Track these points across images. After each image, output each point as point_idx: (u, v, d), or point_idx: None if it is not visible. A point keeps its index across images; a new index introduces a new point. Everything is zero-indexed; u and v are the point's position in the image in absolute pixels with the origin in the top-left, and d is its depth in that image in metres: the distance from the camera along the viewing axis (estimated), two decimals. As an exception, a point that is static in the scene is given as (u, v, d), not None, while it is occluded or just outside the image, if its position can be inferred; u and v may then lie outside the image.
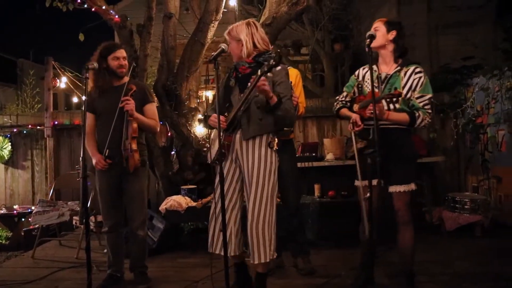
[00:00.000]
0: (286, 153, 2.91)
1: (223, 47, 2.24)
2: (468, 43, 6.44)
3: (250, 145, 2.29)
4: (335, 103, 2.70)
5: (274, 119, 2.30)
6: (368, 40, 2.32)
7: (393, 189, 2.41)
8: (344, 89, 2.70)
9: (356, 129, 2.43)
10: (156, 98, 4.01)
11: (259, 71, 2.11)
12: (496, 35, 6.66)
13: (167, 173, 4.19)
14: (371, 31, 2.40)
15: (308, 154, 4.35)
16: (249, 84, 2.20)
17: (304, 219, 3.63)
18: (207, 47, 4.34)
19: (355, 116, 2.45)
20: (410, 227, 2.43)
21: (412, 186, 2.42)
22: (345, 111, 2.62)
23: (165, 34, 4.34)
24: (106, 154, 2.70)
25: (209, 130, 2.57)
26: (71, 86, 5.51)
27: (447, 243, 3.73)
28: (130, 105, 2.70)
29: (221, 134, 2.23)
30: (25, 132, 5.36)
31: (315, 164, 4.24)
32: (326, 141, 4.55)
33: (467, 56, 5.39)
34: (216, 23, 4.28)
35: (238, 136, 2.33)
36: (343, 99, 2.68)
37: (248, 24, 2.35)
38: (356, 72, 2.66)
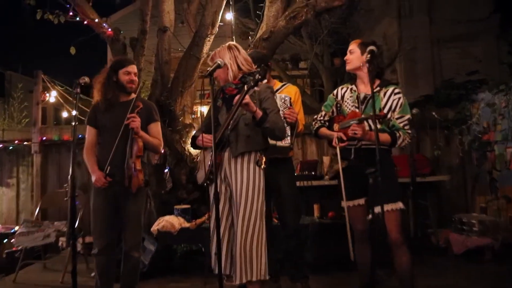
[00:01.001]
0: (284, 172, 2.91)
1: (219, 62, 2.28)
2: (471, 57, 6.51)
3: (238, 163, 2.37)
4: (313, 122, 2.75)
5: (264, 133, 2.38)
6: (369, 56, 2.35)
7: (379, 209, 2.40)
8: (323, 108, 2.75)
9: (341, 144, 2.47)
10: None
11: (245, 86, 2.18)
12: (499, 49, 6.75)
13: (160, 192, 4.16)
14: (370, 50, 2.43)
15: (307, 172, 4.35)
16: (234, 101, 2.27)
17: (303, 241, 3.59)
18: (203, 61, 4.38)
19: (340, 133, 2.50)
20: (406, 249, 2.42)
21: (400, 205, 2.44)
22: (324, 130, 2.66)
23: (159, 48, 4.38)
24: (107, 172, 2.70)
25: (200, 151, 2.62)
26: (61, 100, 5.52)
27: (455, 267, 3.69)
28: (136, 122, 2.71)
29: (212, 153, 2.27)
30: (11, 148, 5.33)
31: (315, 183, 4.23)
32: (326, 159, 4.55)
33: (471, 71, 5.44)
34: (212, 37, 4.33)
35: (226, 154, 2.40)
36: (322, 118, 2.73)
37: (229, 48, 2.45)
38: (335, 92, 2.73)
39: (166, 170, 4.30)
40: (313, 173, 4.35)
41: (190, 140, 4.22)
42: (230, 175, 2.38)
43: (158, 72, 4.35)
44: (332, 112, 2.69)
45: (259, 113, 2.29)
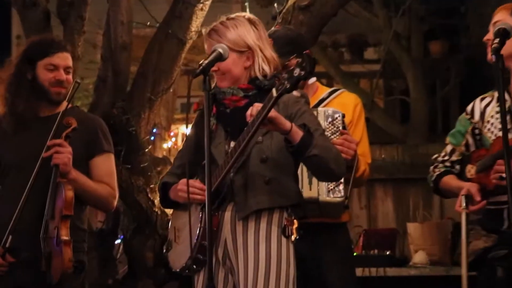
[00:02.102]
0: (333, 249, 2.94)
1: (220, 50, 2.31)
2: None
3: (249, 231, 2.36)
4: (432, 168, 2.77)
5: (309, 167, 2.42)
6: (496, 41, 2.37)
7: None
8: (448, 139, 2.77)
9: (473, 208, 2.47)
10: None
11: (273, 90, 2.13)
12: None
13: (106, 281, 4.21)
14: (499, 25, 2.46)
15: (377, 251, 4.37)
16: (248, 117, 2.22)
17: None
18: (191, 45, 4.49)
19: (470, 186, 2.49)
20: None
21: None
22: (450, 181, 2.67)
23: (111, 21, 4.50)
24: (7, 246, 2.72)
25: (172, 211, 2.69)
26: None
27: None
28: (63, 155, 2.74)
29: (203, 213, 2.28)
30: None
31: (391, 271, 4.25)
32: (413, 227, 4.55)
33: None
34: (208, 3, 4.44)
35: (227, 215, 2.40)
36: (447, 158, 2.75)
37: (251, 21, 2.46)
38: (469, 107, 2.74)
39: (117, 242, 4.35)
40: (387, 252, 4.36)
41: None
42: (234, 254, 2.38)
43: (109, 64, 4.48)
44: (466, 145, 2.70)
45: (297, 132, 2.22)
